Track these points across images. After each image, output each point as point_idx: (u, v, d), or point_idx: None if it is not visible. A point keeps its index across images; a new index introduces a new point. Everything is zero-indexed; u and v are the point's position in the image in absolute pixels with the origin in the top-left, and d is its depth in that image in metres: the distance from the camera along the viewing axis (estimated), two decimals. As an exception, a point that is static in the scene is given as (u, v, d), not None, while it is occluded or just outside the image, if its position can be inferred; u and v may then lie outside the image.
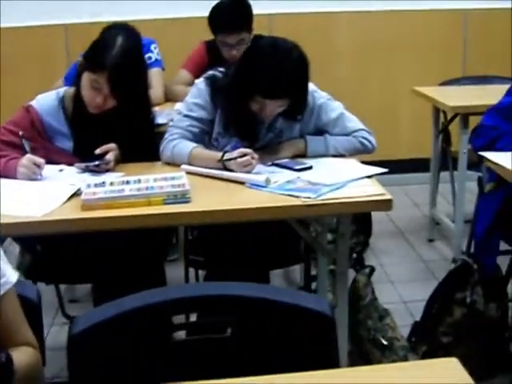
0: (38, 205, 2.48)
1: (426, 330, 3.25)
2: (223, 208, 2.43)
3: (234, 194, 2.55)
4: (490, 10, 5.71)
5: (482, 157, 2.95)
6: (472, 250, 3.59)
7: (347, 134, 2.94)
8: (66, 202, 2.52)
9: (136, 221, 2.42)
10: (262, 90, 2.73)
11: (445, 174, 4.68)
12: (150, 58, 4.24)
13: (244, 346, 1.68)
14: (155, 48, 4.32)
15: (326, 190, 2.48)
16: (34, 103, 2.96)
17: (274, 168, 2.76)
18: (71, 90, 2.97)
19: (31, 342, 1.71)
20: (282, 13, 5.51)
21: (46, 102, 2.97)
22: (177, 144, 2.88)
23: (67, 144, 2.98)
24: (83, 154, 2.90)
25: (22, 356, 1.63)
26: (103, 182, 2.60)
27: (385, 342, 3.13)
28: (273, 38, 2.94)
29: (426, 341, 3.22)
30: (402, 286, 4.05)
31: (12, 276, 1.68)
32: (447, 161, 4.56)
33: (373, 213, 4.79)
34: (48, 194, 2.58)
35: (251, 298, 1.67)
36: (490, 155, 2.94)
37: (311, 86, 2.96)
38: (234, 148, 2.83)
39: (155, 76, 4.16)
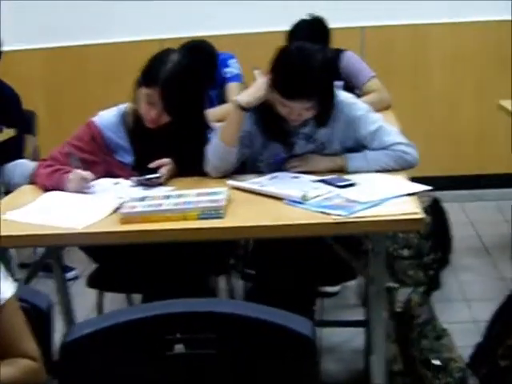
0: (81, 217, 2.57)
1: (487, 351, 3.16)
2: (254, 224, 2.45)
3: (270, 211, 2.55)
4: None
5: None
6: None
7: (386, 147, 2.91)
8: (110, 214, 2.60)
9: (171, 235, 2.48)
10: (281, 90, 2.78)
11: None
12: (227, 72, 4.32)
13: (227, 363, 1.70)
14: (234, 63, 4.39)
15: (359, 207, 2.45)
16: (95, 119, 3.07)
17: (318, 184, 2.76)
18: (132, 105, 3.06)
19: (31, 354, 1.76)
20: (374, 25, 5.48)
21: (107, 117, 3.07)
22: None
23: (128, 158, 3.06)
24: (143, 168, 2.98)
25: (12, 368, 1.70)
26: (146, 196, 2.67)
27: (438, 363, 3.06)
28: (302, 42, 2.97)
29: (486, 363, 3.14)
30: (477, 305, 3.94)
31: (6, 292, 1.73)
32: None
33: (460, 229, 4.72)
34: (93, 206, 2.67)
35: (229, 314, 1.68)
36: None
37: (351, 98, 2.98)
38: (277, 161, 2.89)
39: (232, 90, 4.24)
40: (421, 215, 2.40)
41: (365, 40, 5.42)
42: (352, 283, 3.92)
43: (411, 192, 2.62)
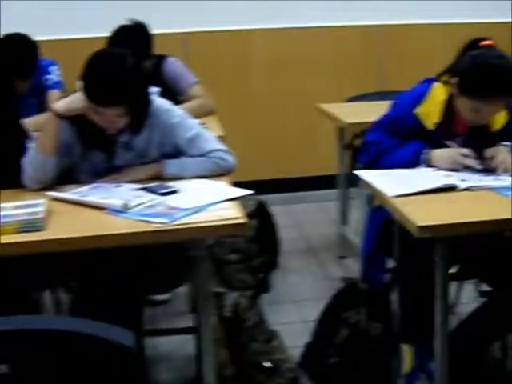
0: None
1: (316, 350, 3.22)
2: (75, 236, 2.38)
3: (92, 221, 2.50)
4: (405, 26, 5.80)
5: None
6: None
7: (203, 154, 2.92)
8: None
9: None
10: (90, 96, 2.75)
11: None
12: (47, 79, 4.22)
13: (49, 380, 1.64)
14: (55, 70, 4.29)
15: (181, 214, 2.45)
16: None
17: (140, 192, 2.72)
18: None
19: None
20: (196, 31, 5.49)
21: None
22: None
23: None
24: None
25: None
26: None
27: (269, 365, 3.09)
28: (112, 48, 2.94)
29: (316, 361, 3.20)
30: (306, 306, 4.01)
31: None
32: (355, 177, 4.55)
33: (286, 231, 4.80)
34: None
35: (48, 330, 1.63)
36: (364, 174, 2.94)
37: (167, 105, 2.98)
38: (98, 171, 2.90)
39: (53, 98, 4.13)
40: (243, 220, 2.42)
41: (187, 46, 5.41)
42: (182, 290, 3.89)
43: (234, 197, 2.63)
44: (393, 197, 2.64)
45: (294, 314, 3.93)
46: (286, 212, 5.45)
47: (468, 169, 2.93)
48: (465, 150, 2.95)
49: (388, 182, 2.79)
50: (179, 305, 4.05)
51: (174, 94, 4.04)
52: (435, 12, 5.90)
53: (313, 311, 3.82)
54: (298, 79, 5.78)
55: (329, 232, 5.09)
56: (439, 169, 2.94)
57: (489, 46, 2.99)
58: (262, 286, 4.11)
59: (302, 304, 4.05)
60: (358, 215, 4.80)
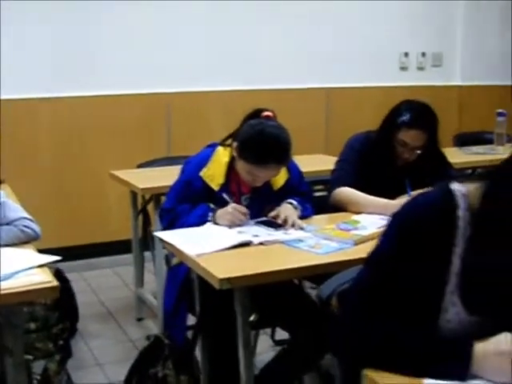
0: None
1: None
2: None
3: None
4: (188, 93, 6.15)
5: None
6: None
7: (9, 223, 2.99)
8: None
9: None
10: None
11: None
12: None
13: None
14: None
15: (-8, 282, 2.49)
16: None
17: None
18: None
19: None
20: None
21: None
22: None
23: None
24: None
25: None
26: None
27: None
28: None
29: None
30: (111, 368, 4.09)
31: None
32: (148, 240, 4.71)
33: (83, 297, 4.86)
34: None
35: None
36: (163, 235, 3.10)
37: None
38: None
39: None
40: (55, 283, 2.51)
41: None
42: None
43: (41, 263, 2.71)
44: (195, 256, 2.81)
45: (99, 377, 3.99)
46: (82, 278, 5.51)
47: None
48: (242, 209, 3.22)
49: (188, 242, 2.96)
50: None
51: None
52: (210, 81, 6.26)
53: (117, 373, 3.93)
54: (88, 147, 5.90)
55: (125, 295, 5.21)
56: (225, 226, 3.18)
57: (268, 117, 3.27)
58: (65, 352, 4.13)
59: (106, 367, 4.12)
60: (152, 277, 4.97)
